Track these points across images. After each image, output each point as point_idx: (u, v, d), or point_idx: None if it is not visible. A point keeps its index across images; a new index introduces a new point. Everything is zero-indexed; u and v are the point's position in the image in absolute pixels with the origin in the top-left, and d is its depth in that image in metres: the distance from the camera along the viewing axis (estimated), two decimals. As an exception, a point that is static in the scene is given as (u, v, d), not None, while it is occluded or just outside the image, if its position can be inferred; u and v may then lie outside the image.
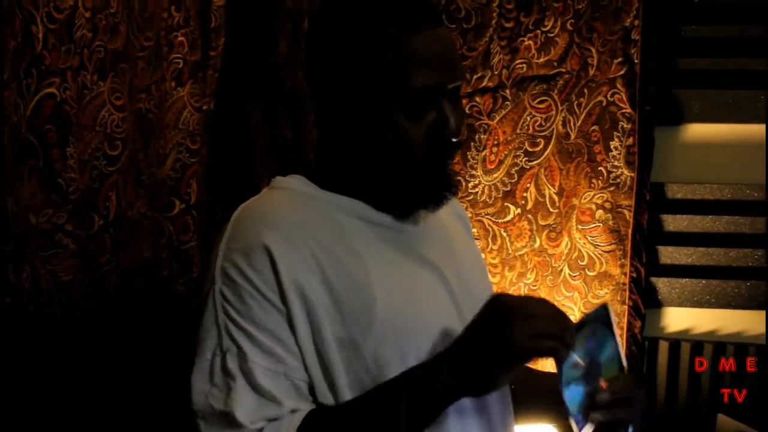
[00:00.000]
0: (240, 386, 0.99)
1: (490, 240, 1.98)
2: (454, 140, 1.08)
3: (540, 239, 2.00)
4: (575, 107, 1.97)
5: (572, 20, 1.94)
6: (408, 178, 1.09)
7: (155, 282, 1.83)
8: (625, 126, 1.96)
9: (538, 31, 1.95)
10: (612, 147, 1.97)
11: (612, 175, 1.98)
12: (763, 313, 2.03)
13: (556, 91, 1.97)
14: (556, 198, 1.99)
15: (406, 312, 1.07)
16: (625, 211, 1.98)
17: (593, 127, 1.97)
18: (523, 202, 1.99)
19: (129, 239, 1.80)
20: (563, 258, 2.00)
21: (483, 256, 1.44)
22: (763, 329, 2.04)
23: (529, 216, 1.99)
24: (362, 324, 1.03)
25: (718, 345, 2.03)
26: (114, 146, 1.73)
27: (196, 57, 1.92)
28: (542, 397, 1.23)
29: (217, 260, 1.06)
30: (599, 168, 1.98)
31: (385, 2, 1.06)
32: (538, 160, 1.98)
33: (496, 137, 1.97)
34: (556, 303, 1.96)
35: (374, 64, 1.04)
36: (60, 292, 1.61)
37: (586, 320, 1.10)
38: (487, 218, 1.98)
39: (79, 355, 1.67)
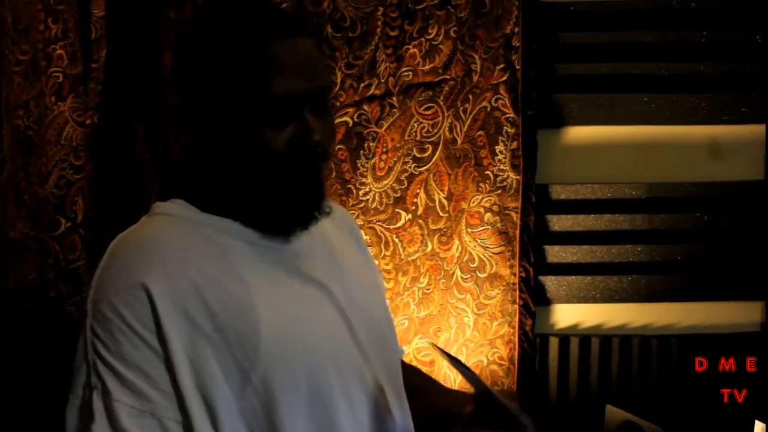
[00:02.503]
0: (100, 426, 0.95)
1: (382, 246, 2.00)
2: (318, 150, 1.07)
3: (431, 244, 2.02)
4: (461, 113, 2.00)
5: (455, 28, 1.97)
6: (272, 192, 1.07)
7: (42, 304, 1.78)
8: (509, 130, 2.00)
9: (423, 39, 1.97)
10: (497, 151, 2.01)
11: (498, 179, 2.02)
12: (643, 305, 2.13)
13: (441, 98, 1.99)
14: (445, 202, 2.02)
15: (292, 332, 1.05)
16: (513, 213, 2.03)
17: (479, 132, 2.01)
18: (413, 207, 2.01)
19: (12, 262, 1.74)
20: (455, 261, 2.04)
21: (376, 264, 1.41)
22: (643, 321, 2.14)
23: (420, 221, 2.01)
24: (248, 349, 1.01)
25: (605, 338, 2.11)
26: (-8, 166, 1.67)
27: (77, 70, 1.86)
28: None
29: (90, 293, 1.02)
30: (486, 172, 2.02)
31: (247, 12, 1.04)
32: (427, 166, 2.01)
33: (384, 144, 1.99)
34: (449, 305, 2.01)
35: (234, 72, 1.03)
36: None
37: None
38: (379, 225, 1.99)
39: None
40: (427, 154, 2.01)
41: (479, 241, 2.04)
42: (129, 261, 1.03)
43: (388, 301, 1.30)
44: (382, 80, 1.96)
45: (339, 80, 1.94)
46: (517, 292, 2.04)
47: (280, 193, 1.07)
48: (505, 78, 2.00)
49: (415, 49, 1.97)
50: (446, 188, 2.02)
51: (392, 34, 1.97)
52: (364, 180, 1.98)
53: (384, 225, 2.00)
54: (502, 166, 2.01)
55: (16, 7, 1.72)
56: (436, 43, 1.97)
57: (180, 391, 0.98)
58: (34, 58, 1.79)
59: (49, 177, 1.83)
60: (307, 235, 1.14)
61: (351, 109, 1.96)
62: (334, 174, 1.96)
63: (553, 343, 2.11)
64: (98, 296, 1.01)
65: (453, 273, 2.04)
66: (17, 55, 1.75)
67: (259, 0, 1.06)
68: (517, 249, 2.04)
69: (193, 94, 1.08)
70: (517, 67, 1.99)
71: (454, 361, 1.18)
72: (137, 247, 1.05)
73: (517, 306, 2.04)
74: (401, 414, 1.16)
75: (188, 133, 1.11)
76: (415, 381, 1.29)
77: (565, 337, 2.11)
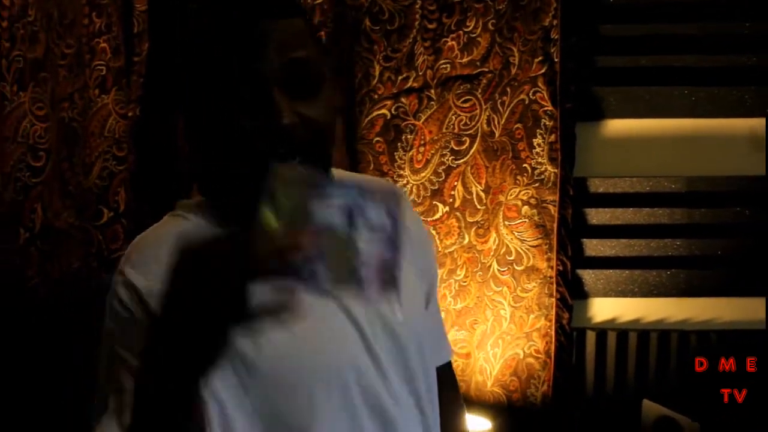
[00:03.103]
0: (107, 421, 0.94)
1: (420, 238, 2.01)
2: (284, 135, 0.94)
3: (468, 236, 2.03)
4: (499, 106, 2.00)
5: (493, 20, 1.97)
6: (243, 186, 0.94)
7: (87, 294, 1.81)
8: (547, 123, 2.00)
9: (461, 32, 1.97)
10: (535, 144, 2.01)
11: (536, 172, 2.01)
12: (682, 300, 2.11)
13: (479, 91, 2.00)
14: (482, 195, 2.02)
15: (295, 352, 0.99)
16: (550, 206, 2.02)
17: (517, 125, 2.01)
18: (450, 200, 2.02)
19: (57, 251, 1.78)
20: (492, 254, 2.04)
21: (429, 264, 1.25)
22: (682, 316, 2.11)
23: (457, 213, 2.02)
24: (248, 363, 0.96)
25: (643, 333, 2.09)
26: (37, 157, 1.72)
27: (120, 63, 1.90)
28: None
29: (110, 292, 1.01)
30: (524, 165, 2.02)
31: None
32: (465, 159, 2.01)
33: (422, 137, 2.00)
34: (486, 297, 2.01)
35: (208, 55, 0.96)
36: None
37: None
38: (417, 217, 2.00)
39: (8, 370, 1.65)
40: (464, 147, 2.01)
41: (516, 233, 2.03)
42: (132, 252, 1.02)
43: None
44: (420, 73, 1.97)
45: (377, 73, 1.95)
46: (554, 286, 2.04)
47: (246, 189, 0.91)
48: (543, 71, 1.99)
49: (453, 42, 1.98)
50: (484, 181, 2.02)
51: (430, 26, 1.97)
52: (401, 172, 1.99)
53: (421, 217, 2.01)
54: (539, 159, 2.01)
55: (62, 2, 1.76)
56: (474, 35, 1.97)
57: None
58: (79, 52, 1.83)
59: (93, 168, 1.87)
60: None
61: (389, 102, 1.97)
62: (372, 166, 1.98)
63: (591, 337, 2.10)
64: (111, 295, 1.01)
65: (490, 265, 2.04)
66: (62, 49, 1.78)
67: None
68: (554, 242, 2.03)
69: (186, 81, 1.02)
70: (556, 60, 1.98)
71: None
72: (142, 241, 1.04)
73: (554, 299, 2.03)
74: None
75: (185, 119, 1.05)
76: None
77: (602, 331, 2.10)
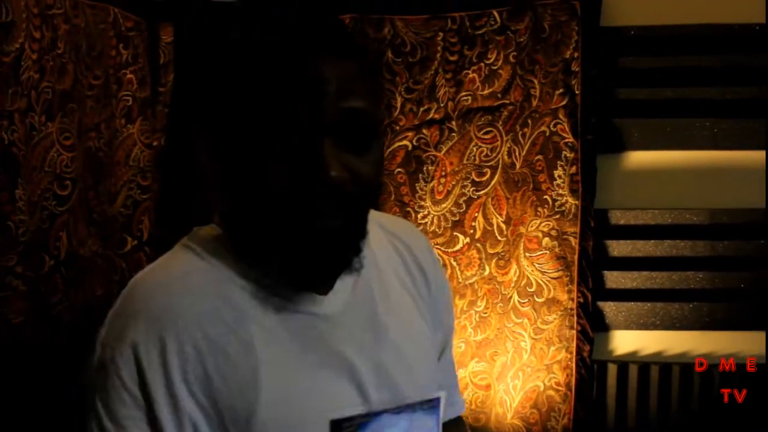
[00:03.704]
0: None
1: (440, 269, 2.01)
2: (333, 189, 0.87)
3: (489, 267, 2.03)
4: (520, 137, 2.01)
5: (514, 53, 1.98)
6: (272, 237, 0.92)
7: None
8: (568, 155, 2.01)
9: (482, 64, 1.99)
10: (556, 176, 2.01)
11: (557, 203, 2.02)
12: (705, 333, 2.09)
13: (500, 122, 2.01)
14: (503, 226, 2.03)
15: (293, 414, 0.94)
16: (571, 238, 2.02)
17: (537, 157, 2.02)
18: (471, 231, 2.02)
19: (81, 278, 1.80)
20: (512, 285, 2.04)
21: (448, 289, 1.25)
22: (705, 349, 2.09)
23: (478, 245, 2.03)
24: (240, 426, 0.91)
25: (665, 366, 2.07)
26: (63, 186, 1.74)
27: (146, 93, 1.94)
28: None
29: (102, 331, 0.98)
30: (544, 196, 2.02)
31: (265, 32, 0.90)
32: (485, 190, 2.02)
33: (443, 168, 2.01)
34: (506, 329, 2.01)
35: (244, 95, 0.89)
36: (11, 334, 1.61)
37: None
38: (437, 248, 2.01)
39: (32, 396, 1.66)
40: (485, 178, 2.02)
41: (537, 265, 2.03)
42: (139, 313, 0.95)
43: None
44: (442, 104, 1.99)
45: (399, 104, 1.97)
46: (575, 318, 2.03)
47: (282, 240, 0.91)
48: (564, 103, 2.00)
49: (475, 74, 1.99)
50: (504, 212, 2.03)
51: (452, 59, 1.99)
52: (422, 203, 2.00)
53: (442, 248, 2.01)
54: (560, 191, 2.01)
55: (90, 34, 1.80)
56: (495, 67, 1.99)
57: None
58: (106, 83, 1.87)
59: (118, 196, 1.90)
60: (350, 291, 1.02)
61: (410, 133, 1.98)
62: (393, 197, 1.99)
63: (612, 370, 2.08)
64: (105, 340, 0.96)
65: (510, 297, 2.04)
66: (90, 80, 1.82)
67: (302, 16, 0.92)
68: (575, 274, 2.03)
69: (218, 117, 0.95)
70: (577, 92, 1.99)
71: None
72: (149, 299, 0.97)
73: (574, 331, 2.03)
74: None
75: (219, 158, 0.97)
76: None
77: (623, 363, 2.09)
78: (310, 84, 0.86)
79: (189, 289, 0.96)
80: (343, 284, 1.02)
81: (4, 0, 1.54)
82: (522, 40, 1.98)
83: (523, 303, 2.04)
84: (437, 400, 0.95)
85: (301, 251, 0.91)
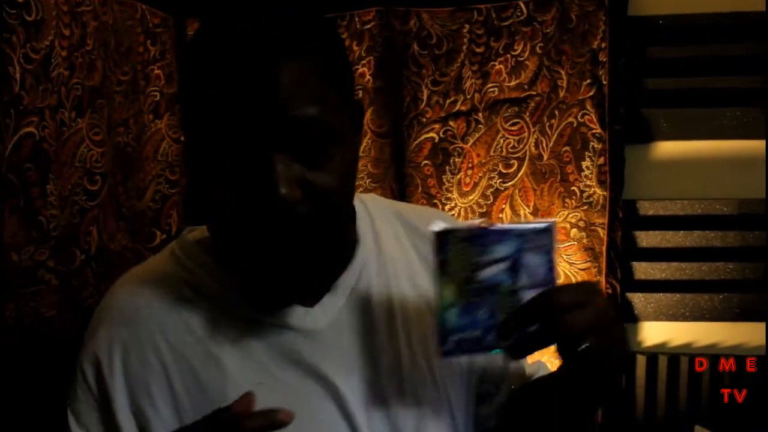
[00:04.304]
0: None
1: (468, 261, 2.02)
2: (281, 209, 0.78)
3: (517, 259, 2.03)
4: (547, 129, 2.01)
5: (541, 44, 1.98)
6: (234, 253, 0.87)
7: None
8: (595, 146, 2.00)
9: (508, 55, 1.99)
10: (584, 167, 2.01)
11: (585, 194, 2.01)
12: (735, 324, 2.08)
13: (527, 114, 2.01)
14: (531, 218, 2.03)
15: None
16: (599, 229, 2.02)
17: (565, 148, 2.01)
18: (499, 222, 2.03)
19: (111, 272, 1.82)
20: (540, 276, 2.04)
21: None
22: (735, 341, 2.09)
23: (506, 236, 2.03)
24: None
25: (693, 357, 2.07)
26: (94, 181, 1.76)
27: (173, 89, 1.96)
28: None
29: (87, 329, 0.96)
30: (572, 188, 2.02)
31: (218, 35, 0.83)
32: (513, 182, 2.02)
33: (470, 160, 2.01)
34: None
35: (194, 101, 0.83)
36: (44, 327, 1.63)
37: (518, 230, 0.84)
38: (465, 240, 2.01)
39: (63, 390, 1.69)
40: (512, 170, 2.02)
41: (565, 257, 2.03)
42: (109, 318, 0.93)
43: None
44: (468, 96, 1.99)
45: (425, 97, 1.97)
46: (604, 309, 2.03)
47: (242, 259, 0.86)
48: (591, 93, 1.99)
49: (501, 66, 1.99)
50: (532, 204, 2.03)
51: (478, 50, 1.99)
52: (449, 195, 2.01)
53: (469, 240, 2.02)
54: (588, 182, 2.01)
55: (118, 31, 1.82)
56: (521, 59, 1.99)
57: None
58: (134, 79, 1.89)
59: (146, 191, 1.92)
60: (346, 299, 0.94)
61: (437, 125, 1.99)
62: (420, 190, 2.00)
63: (641, 361, 2.08)
64: (85, 336, 0.95)
65: (538, 289, 2.04)
66: (118, 76, 1.84)
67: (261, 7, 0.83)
68: (603, 265, 2.03)
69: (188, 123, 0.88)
70: (604, 83, 1.99)
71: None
72: (120, 304, 0.94)
73: (603, 323, 2.02)
74: None
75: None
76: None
77: (653, 355, 2.09)
78: (254, 90, 0.77)
79: (160, 297, 0.92)
80: (334, 298, 0.94)
81: (34, -2, 1.56)
82: (549, 30, 1.98)
83: (551, 294, 2.04)
84: (552, 223, 0.84)
85: (262, 271, 0.84)
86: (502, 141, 2.01)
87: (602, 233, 2.02)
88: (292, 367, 0.90)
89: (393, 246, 1.01)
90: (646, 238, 2.11)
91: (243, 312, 0.91)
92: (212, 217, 0.87)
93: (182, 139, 1.95)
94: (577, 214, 2.02)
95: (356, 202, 1.00)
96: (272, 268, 0.84)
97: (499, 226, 0.83)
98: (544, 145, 2.02)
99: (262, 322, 0.90)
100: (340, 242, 0.91)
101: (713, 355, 2.06)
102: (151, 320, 0.90)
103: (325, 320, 0.92)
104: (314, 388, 0.90)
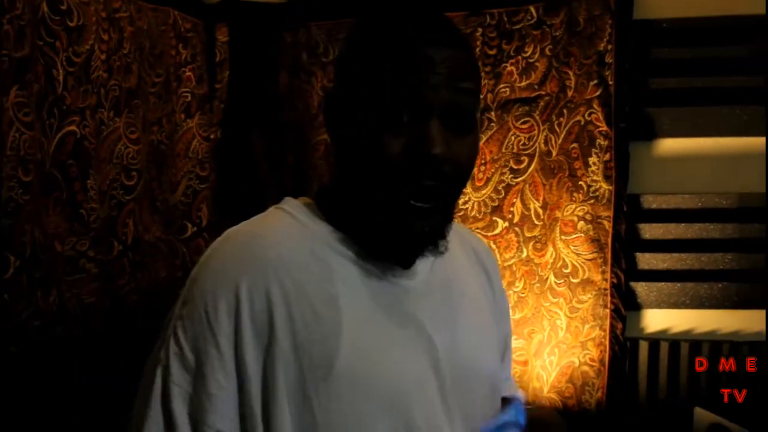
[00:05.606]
0: (154, 400, 0.96)
1: (480, 252, 2.10)
2: (434, 164, 0.93)
3: (527, 250, 2.13)
4: (556, 127, 2.10)
5: (550, 46, 2.07)
6: (377, 205, 0.97)
7: (172, 301, 1.96)
8: (602, 143, 2.08)
9: (519, 57, 2.08)
10: (591, 162, 2.09)
11: (591, 189, 2.10)
12: (733, 312, 2.16)
13: (537, 112, 2.10)
14: (540, 211, 2.12)
15: (369, 371, 0.97)
16: (605, 222, 2.10)
17: (573, 145, 2.10)
18: (510, 216, 2.12)
19: (146, 262, 1.93)
20: (548, 267, 2.13)
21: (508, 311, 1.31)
22: (733, 328, 2.16)
23: (516, 229, 2.12)
24: (318, 375, 0.94)
25: (694, 343, 2.14)
26: (130, 176, 1.87)
27: (203, 90, 2.06)
28: None
29: (194, 269, 1.02)
30: (579, 182, 2.10)
31: (401, 19, 0.99)
32: (523, 177, 2.11)
33: (483, 157, 2.10)
34: (543, 308, 2.10)
35: (371, 75, 0.96)
36: (84, 313, 1.74)
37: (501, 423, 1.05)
38: (478, 232, 2.10)
39: (102, 374, 1.79)
40: (523, 166, 2.11)
41: (572, 248, 2.12)
42: (233, 256, 1.00)
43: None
44: (481, 96, 2.06)
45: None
46: (609, 297, 2.11)
47: (386, 208, 0.97)
48: (598, 93, 2.07)
49: (512, 67, 2.08)
50: (541, 198, 2.12)
51: (491, 53, 2.08)
52: (464, 189, 2.09)
53: (482, 232, 2.11)
54: (595, 177, 2.09)
55: (152, 35, 1.92)
56: (532, 60, 2.08)
57: (242, 398, 0.96)
58: (167, 80, 1.99)
59: (178, 186, 2.02)
60: (429, 271, 1.07)
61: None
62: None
63: (643, 347, 2.16)
64: (196, 277, 1.00)
65: (547, 278, 2.13)
66: (153, 78, 1.94)
67: (416, 9, 1.00)
68: (608, 256, 2.11)
69: (340, 96, 1.02)
70: (610, 83, 2.07)
71: None
72: (244, 244, 1.01)
73: (608, 310, 2.11)
74: None
75: (333, 134, 1.06)
76: None
77: (655, 341, 2.16)
78: (424, 67, 0.93)
79: (282, 241, 1.01)
80: (423, 265, 1.06)
81: (76, 5, 1.67)
82: (557, 33, 2.07)
83: (559, 283, 2.13)
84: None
85: (393, 224, 0.97)
86: (513, 138, 2.10)
87: (608, 225, 2.10)
88: (396, 316, 1.02)
89: (455, 244, 1.11)
90: (650, 230, 2.19)
91: (355, 263, 1.02)
92: (360, 171, 0.99)
93: (212, 137, 2.05)
94: (584, 207, 2.11)
95: None
96: (410, 216, 0.96)
97: None
98: (553, 142, 2.10)
99: (371, 274, 1.02)
100: (453, 215, 1.06)
101: (713, 341, 2.13)
102: (277, 260, 0.98)
103: (429, 281, 1.06)
104: (413, 337, 1.02)
